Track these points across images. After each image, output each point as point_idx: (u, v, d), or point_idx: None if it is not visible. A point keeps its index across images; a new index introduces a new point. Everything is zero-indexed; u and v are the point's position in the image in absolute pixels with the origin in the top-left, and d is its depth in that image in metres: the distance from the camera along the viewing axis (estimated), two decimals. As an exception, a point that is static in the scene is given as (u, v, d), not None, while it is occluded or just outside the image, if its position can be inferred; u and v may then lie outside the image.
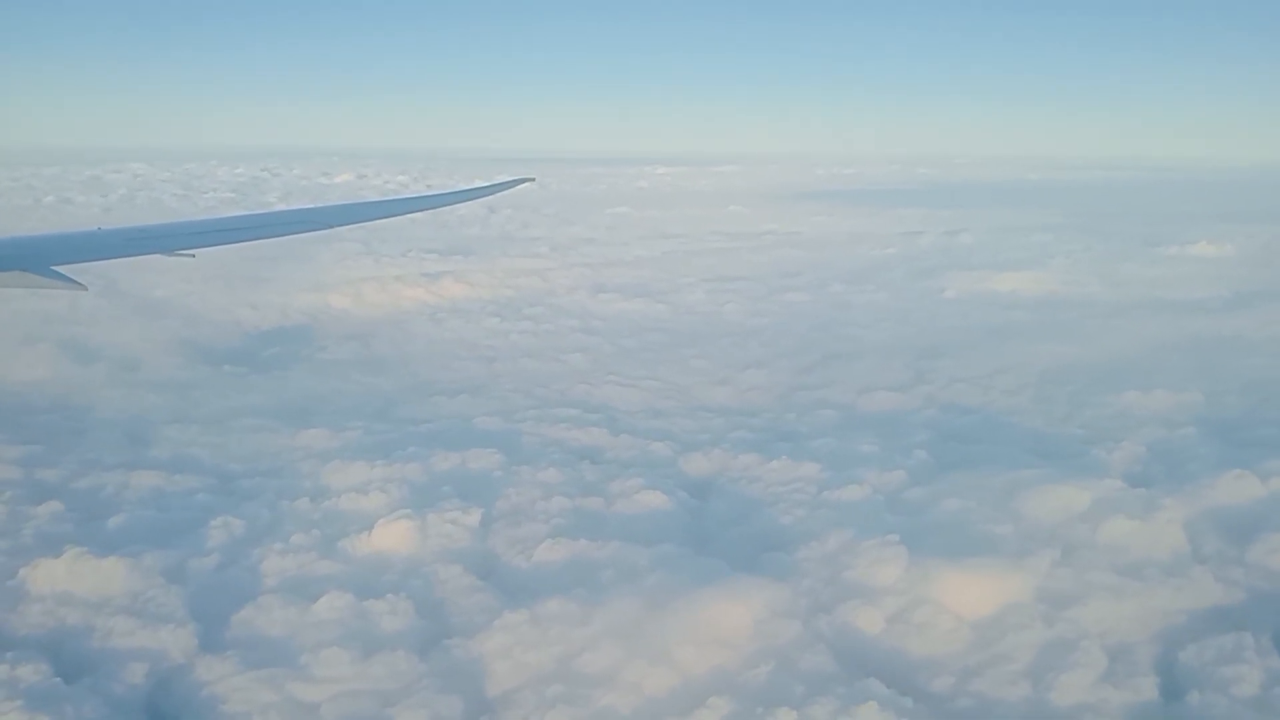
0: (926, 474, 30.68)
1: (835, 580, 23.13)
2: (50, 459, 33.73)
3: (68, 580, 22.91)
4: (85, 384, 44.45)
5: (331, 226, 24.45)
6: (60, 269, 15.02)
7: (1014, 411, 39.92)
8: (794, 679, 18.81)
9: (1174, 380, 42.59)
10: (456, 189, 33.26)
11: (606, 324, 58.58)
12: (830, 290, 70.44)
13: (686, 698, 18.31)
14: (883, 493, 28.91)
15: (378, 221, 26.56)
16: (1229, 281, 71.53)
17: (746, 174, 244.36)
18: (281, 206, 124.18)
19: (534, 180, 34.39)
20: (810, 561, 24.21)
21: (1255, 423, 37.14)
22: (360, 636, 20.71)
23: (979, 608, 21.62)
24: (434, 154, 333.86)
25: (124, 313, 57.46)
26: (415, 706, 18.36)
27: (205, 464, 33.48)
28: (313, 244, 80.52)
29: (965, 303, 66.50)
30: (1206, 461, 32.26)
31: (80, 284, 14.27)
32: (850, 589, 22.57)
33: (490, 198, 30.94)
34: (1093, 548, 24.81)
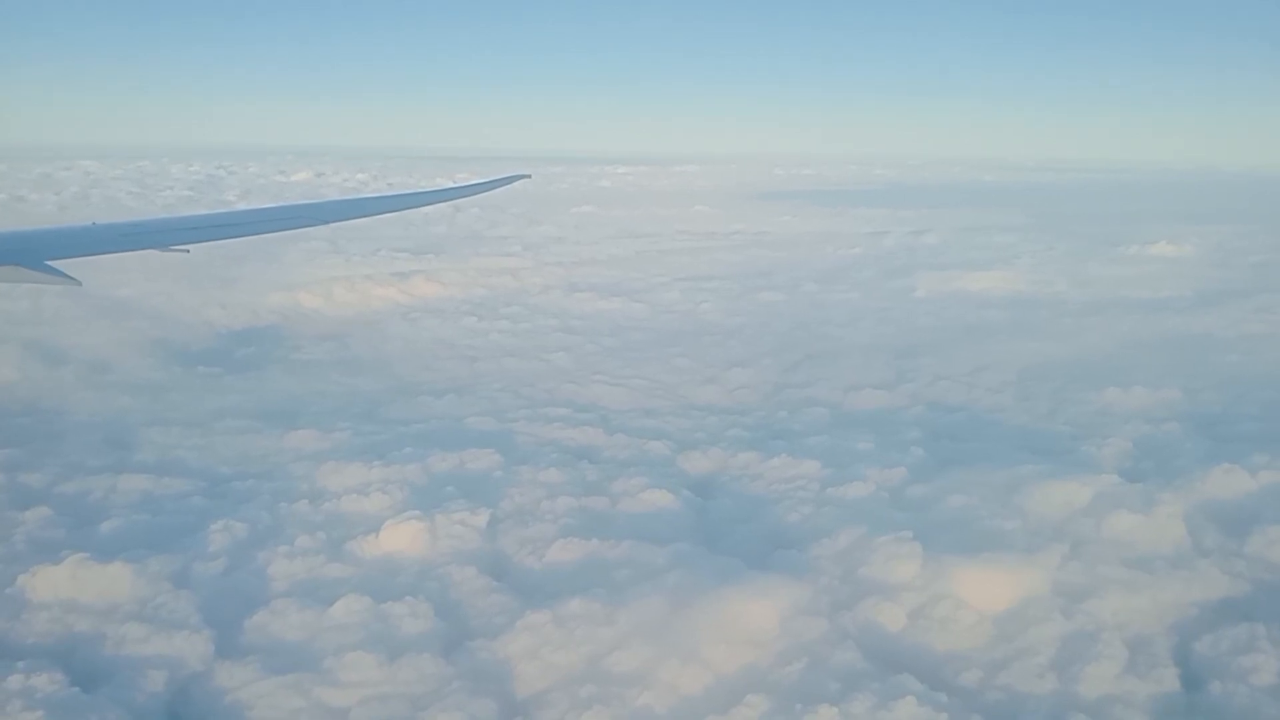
0: (925, 471, 30.90)
1: (851, 577, 23.24)
2: (30, 463, 32.88)
3: (71, 587, 22.29)
4: (56, 386, 43.39)
5: (330, 222, 24.19)
6: (54, 264, 14.80)
7: (999, 409, 40.43)
8: (827, 676, 18.86)
9: (1151, 377, 43.37)
10: (453, 185, 32.96)
11: (585, 323, 58.42)
12: (804, 290, 70.88)
13: (722, 696, 18.27)
14: (885, 489, 29.10)
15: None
16: (1191, 281, 73.20)
17: (707, 174, 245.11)
18: (243, 204, 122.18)
19: (530, 177, 34.22)
20: (824, 559, 24.29)
21: (1234, 418, 37.94)
22: (382, 640, 20.38)
23: (997, 602, 21.84)
24: (390, 153, 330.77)
25: (89, 313, 56.07)
26: (450, 709, 18.10)
27: (193, 467, 32.83)
28: (278, 242, 79.17)
29: (937, 302, 67.23)
30: (1193, 456, 32.87)
31: (75, 279, 14.11)
32: (868, 586, 22.68)
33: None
34: (1098, 542, 25.16)
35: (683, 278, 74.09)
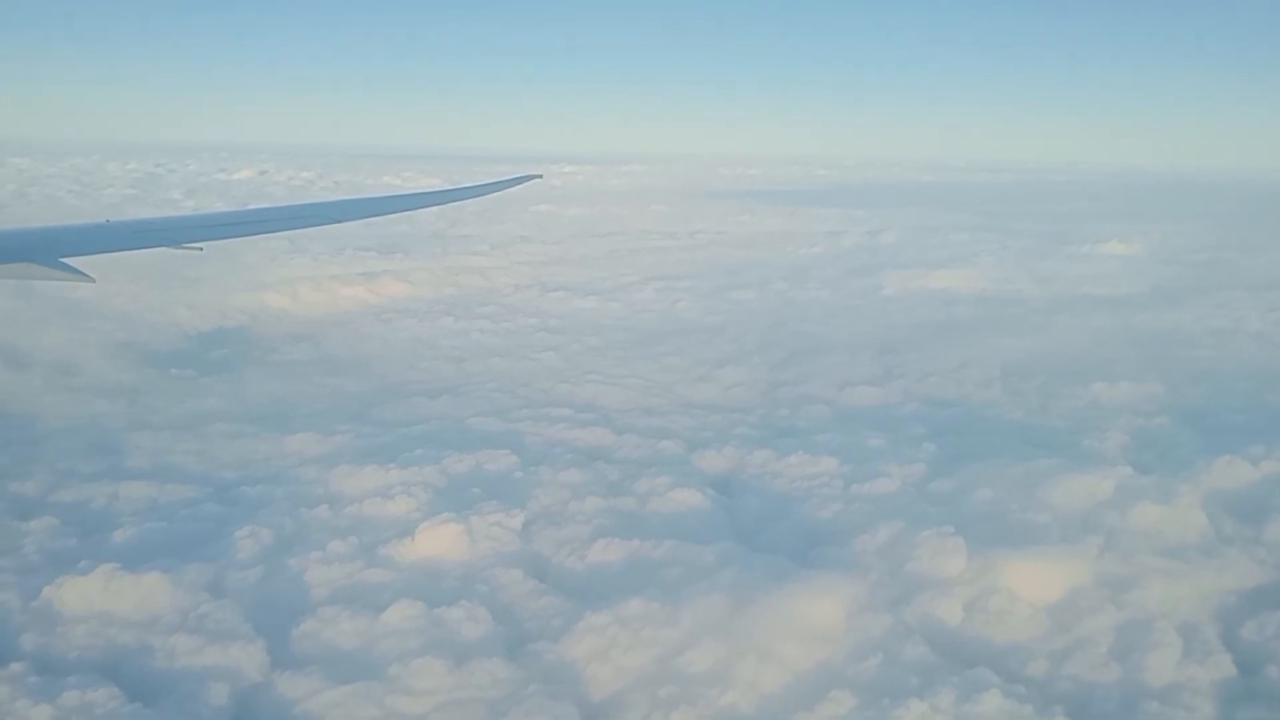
0: (943, 465, 31.24)
1: (900, 573, 23.36)
2: (18, 471, 31.58)
3: (104, 599, 21.40)
4: (22, 391, 41.73)
5: (340, 221, 24.23)
6: (68, 261, 14.55)
7: (993, 404, 41.00)
8: (904, 671, 18.93)
9: (1131, 372, 44.45)
10: (464, 186, 32.30)
11: (565, 322, 58.07)
12: (774, 288, 71.34)
13: (804, 694, 18.21)
14: (910, 485, 29.35)
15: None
16: (1147, 278, 75.26)
17: (654, 173, 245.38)
18: (191, 203, 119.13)
19: (541, 177, 33.76)
20: (868, 555, 24.39)
21: (1220, 411, 38.95)
22: (444, 645, 19.91)
23: (1047, 594, 22.14)
24: (327, 150, 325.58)
25: (47, 315, 54.03)
26: (532, 712, 17.75)
27: (192, 472, 31.84)
28: (236, 242, 77.48)
29: (906, 300, 68.17)
30: (1191, 448, 33.66)
31: (88, 276, 13.91)
32: (919, 580, 22.83)
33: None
34: (1128, 533, 25.66)
35: (653, 277, 74.07)
